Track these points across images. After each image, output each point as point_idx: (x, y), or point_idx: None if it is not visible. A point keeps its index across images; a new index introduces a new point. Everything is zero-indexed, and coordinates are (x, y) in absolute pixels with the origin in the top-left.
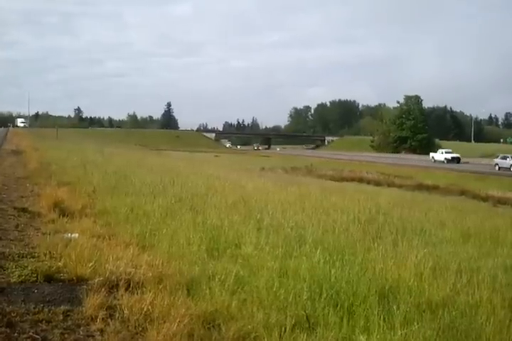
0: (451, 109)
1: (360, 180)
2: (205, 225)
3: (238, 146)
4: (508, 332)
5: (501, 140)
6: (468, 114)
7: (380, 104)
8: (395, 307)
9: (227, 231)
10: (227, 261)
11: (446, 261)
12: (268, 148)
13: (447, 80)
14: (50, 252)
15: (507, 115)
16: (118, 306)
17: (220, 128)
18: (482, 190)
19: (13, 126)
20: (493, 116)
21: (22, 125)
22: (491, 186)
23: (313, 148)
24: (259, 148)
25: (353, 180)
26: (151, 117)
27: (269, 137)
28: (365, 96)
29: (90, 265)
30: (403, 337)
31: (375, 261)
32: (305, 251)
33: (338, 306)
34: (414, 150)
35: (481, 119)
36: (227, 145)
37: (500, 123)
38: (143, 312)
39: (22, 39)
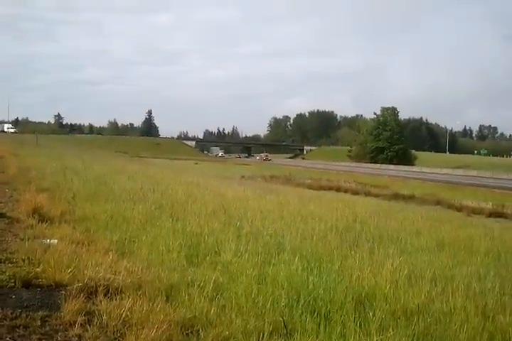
0: (426, 120)
1: (338, 189)
2: (184, 232)
3: (226, 155)
4: (481, 339)
5: (475, 152)
6: (443, 126)
7: (357, 115)
8: (371, 313)
9: (207, 239)
10: (207, 267)
11: (421, 269)
12: (248, 157)
13: (423, 92)
14: (28, 258)
15: (481, 127)
16: (96, 312)
17: (201, 136)
18: (456, 200)
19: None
20: (467, 128)
21: (12, 131)
22: (465, 196)
23: (292, 157)
24: (240, 156)
25: (330, 188)
26: (131, 124)
27: (250, 146)
28: (343, 107)
29: (69, 271)
30: None
31: (351, 269)
32: (283, 258)
33: (316, 313)
34: (390, 161)
35: (455, 131)
36: (220, 154)
37: (474, 135)
38: (121, 318)
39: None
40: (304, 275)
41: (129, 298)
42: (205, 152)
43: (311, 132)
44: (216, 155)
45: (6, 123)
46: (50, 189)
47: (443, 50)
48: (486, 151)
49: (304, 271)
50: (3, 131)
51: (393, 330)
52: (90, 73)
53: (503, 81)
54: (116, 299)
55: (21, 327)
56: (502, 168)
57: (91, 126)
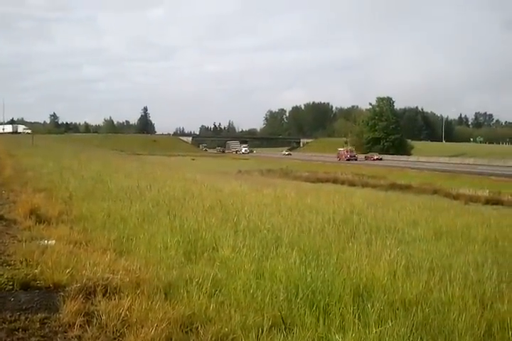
0: (422, 109)
1: (335, 181)
2: (182, 229)
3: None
4: (480, 328)
5: (471, 139)
6: (439, 115)
7: (353, 106)
8: (369, 305)
9: (205, 235)
10: (205, 264)
11: (419, 259)
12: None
13: (419, 81)
14: (26, 259)
15: (477, 115)
16: (95, 312)
17: (197, 132)
18: (453, 189)
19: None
20: (463, 116)
21: (27, 131)
22: (462, 184)
23: (289, 150)
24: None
25: (327, 181)
26: (127, 122)
27: (246, 140)
28: (339, 99)
29: (67, 271)
30: (378, 335)
31: (349, 261)
32: (281, 252)
33: (314, 306)
34: (387, 151)
35: (451, 119)
36: (243, 151)
37: (470, 123)
38: (120, 318)
39: None
40: (301, 268)
41: (127, 297)
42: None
43: (307, 124)
44: (236, 152)
45: (19, 124)
46: (47, 189)
47: (438, 38)
48: (482, 139)
49: (301, 265)
50: (16, 132)
51: (392, 321)
52: (85, 71)
53: (499, 68)
54: (114, 299)
55: (20, 330)
56: (498, 155)
57: (87, 125)
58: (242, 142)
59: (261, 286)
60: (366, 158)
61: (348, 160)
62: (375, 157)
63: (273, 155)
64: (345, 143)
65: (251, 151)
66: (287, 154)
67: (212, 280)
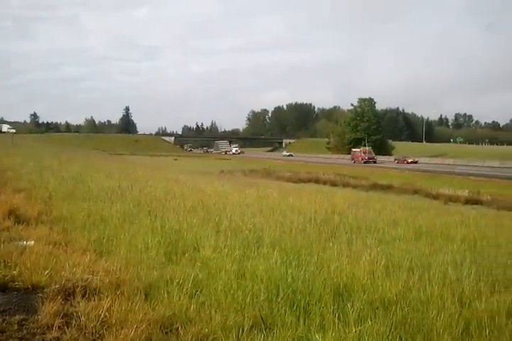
0: (403, 110)
1: (317, 181)
2: (163, 229)
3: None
4: (458, 326)
5: (451, 140)
6: (419, 115)
7: (335, 107)
8: (349, 305)
9: (186, 235)
10: (186, 264)
11: (398, 258)
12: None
13: (400, 82)
14: (4, 261)
15: (456, 116)
16: (74, 313)
17: (180, 132)
18: (433, 189)
19: None
20: (443, 117)
21: (12, 131)
22: (442, 184)
23: (271, 151)
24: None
25: (309, 181)
26: (109, 122)
27: (229, 140)
28: (321, 99)
29: (46, 273)
30: (357, 334)
31: (330, 261)
32: (263, 252)
33: (295, 306)
34: None
35: (432, 120)
36: (234, 151)
37: (450, 124)
38: (100, 319)
39: None
40: (282, 268)
41: (107, 298)
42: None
43: (290, 125)
44: (226, 152)
45: (4, 123)
46: (27, 189)
47: (419, 40)
48: (461, 139)
49: (282, 265)
50: (1, 132)
51: (371, 321)
52: (67, 71)
53: (479, 69)
54: (94, 300)
55: None
56: (477, 155)
57: (68, 125)
58: (232, 142)
59: (242, 286)
60: (397, 161)
61: (365, 162)
62: (410, 160)
63: (262, 156)
64: (328, 143)
65: (242, 152)
66: (288, 155)
67: (193, 280)
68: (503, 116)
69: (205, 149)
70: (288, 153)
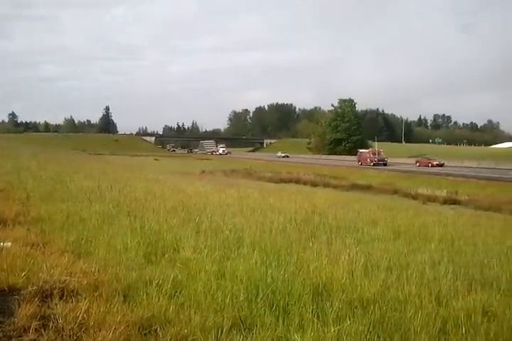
0: (383, 111)
1: (298, 181)
2: (143, 230)
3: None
4: (435, 325)
5: (430, 140)
6: (399, 116)
7: (316, 108)
8: (328, 304)
9: (166, 236)
10: (166, 265)
11: (377, 258)
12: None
13: (380, 83)
14: None
15: (435, 117)
16: (52, 315)
17: (160, 132)
18: (412, 189)
19: None
20: (422, 117)
21: None
22: (421, 185)
23: (252, 151)
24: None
25: (290, 181)
26: (89, 121)
27: (216, 140)
28: (302, 100)
29: (23, 274)
30: (336, 334)
31: (309, 260)
32: (243, 252)
33: (274, 306)
34: (349, 152)
35: (411, 121)
36: (221, 151)
37: (429, 124)
38: (78, 321)
39: None
40: (262, 268)
41: (85, 299)
42: (166, 148)
43: (271, 125)
44: (212, 153)
45: None
46: (5, 190)
47: (400, 41)
48: (440, 140)
49: (262, 265)
50: None
51: (350, 320)
52: (46, 70)
53: (458, 71)
54: (72, 301)
55: None
56: (456, 155)
57: (47, 124)
58: (219, 142)
59: (221, 287)
60: (419, 164)
61: (374, 165)
62: (435, 162)
63: (249, 156)
64: (308, 143)
65: (229, 152)
66: (283, 156)
67: (172, 281)
68: (480, 116)
69: (189, 149)
70: (284, 154)
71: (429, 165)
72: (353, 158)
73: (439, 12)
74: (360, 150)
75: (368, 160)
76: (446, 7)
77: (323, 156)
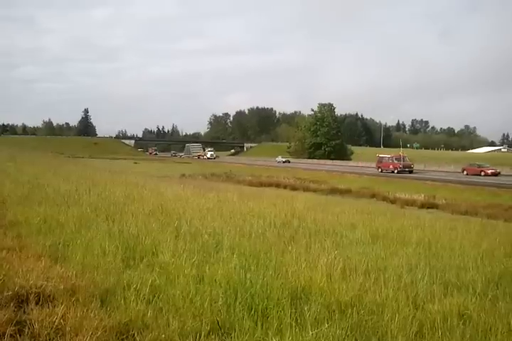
0: (362, 116)
1: (278, 185)
2: (121, 234)
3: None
4: (412, 328)
5: (408, 145)
6: (377, 121)
7: (295, 112)
8: (306, 308)
9: (145, 240)
10: (144, 270)
11: (355, 261)
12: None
13: (359, 88)
14: None
15: (413, 122)
16: (28, 321)
17: (140, 135)
18: (391, 193)
19: None
20: (400, 122)
21: None
22: (399, 189)
23: (233, 154)
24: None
25: (270, 185)
26: (67, 124)
27: (202, 144)
28: (282, 104)
29: None
30: (314, 337)
31: (288, 264)
32: (222, 256)
33: (253, 310)
34: (328, 156)
35: (389, 126)
36: (209, 155)
37: (407, 129)
38: (54, 326)
39: None
40: (241, 272)
41: (62, 304)
42: (146, 151)
43: (251, 129)
44: (199, 157)
45: None
46: None
47: (379, 47)
48: (418, 145)
49: (241, 269)
50: None
51: (328, 323)
52: (23, 71)
53: (435, 76)
54: (48, 307)
55: None
56: (433, 160)
57: (24, 127)
58: (207, 146)
59: (200, 291)
60: (467, 172)
61: (399, 172)
62: (490, 171)
63: (234, 161)
64: (288, 148)
65: (217, 156)
66: (284, 161)
67: (150, 286)
68: (457, 122)
69: (174, 153)
70: (284, 159)
71: (482, 173)
72: (353, 163)
73: (417, 18)
74: (381, 156)
75: (391, 166)
76: (424, 13)
77: (322, 161)
